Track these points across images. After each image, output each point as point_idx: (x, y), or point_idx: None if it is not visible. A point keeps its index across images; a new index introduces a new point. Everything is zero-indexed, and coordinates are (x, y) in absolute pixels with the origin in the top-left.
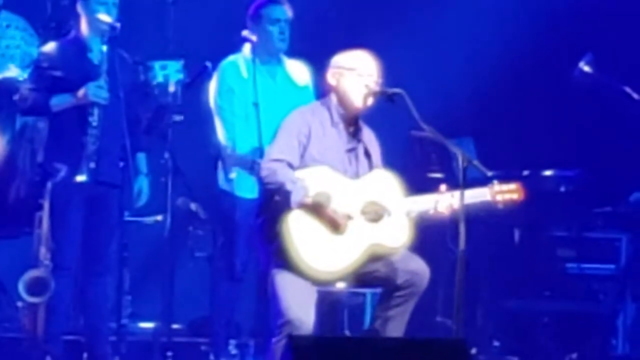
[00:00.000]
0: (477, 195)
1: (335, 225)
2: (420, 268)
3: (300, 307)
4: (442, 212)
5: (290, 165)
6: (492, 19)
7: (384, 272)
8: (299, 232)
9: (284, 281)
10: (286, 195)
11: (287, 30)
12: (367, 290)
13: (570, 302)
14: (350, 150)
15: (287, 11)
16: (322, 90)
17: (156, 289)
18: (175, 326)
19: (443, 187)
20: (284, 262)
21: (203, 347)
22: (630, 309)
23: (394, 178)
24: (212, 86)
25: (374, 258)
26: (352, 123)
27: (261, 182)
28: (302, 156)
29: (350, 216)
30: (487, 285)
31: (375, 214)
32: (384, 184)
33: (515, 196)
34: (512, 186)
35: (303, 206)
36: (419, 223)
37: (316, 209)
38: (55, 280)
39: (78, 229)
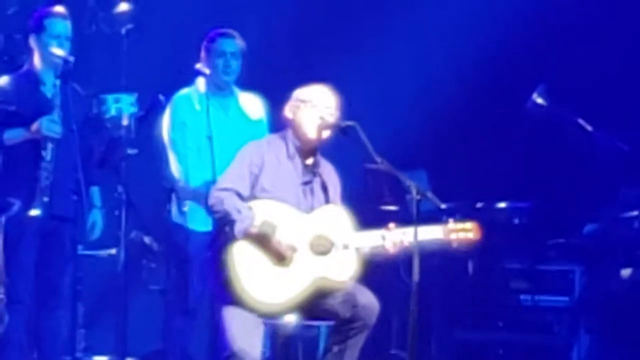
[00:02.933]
0: (429, 232)
1: (279, 257)
2: (369, 302)
3: (244, 339)
4: (389, 250)
5: (240, 195)
6: (443, 51)
7: (333, 306)
8: (243, 262)
9: (229, 313)
10: (231, 224)
11: (234, 63)
12: (321, 323)
13: (524, 334)
14: (305, 184)
15: (236, 44)
16: (277, 124)
17: (110, 323)
18: None
19: (392, 225)
20: (230, 293)
21: None
22: (584, 341)
23: (344, 212)
24: (165, 119)
25: (322, 292)
26: (309, 156)
27: (208, 211)
28: (253, 186)
29: (295, 248)
30: (441, 317)
31: (322, 248)
32: (334, 218)
33: (470, 235)
34: (468, 225)
35: (248, 236)
36: (370, 259)
37: (261, 239)
38: (9, 314)
39: (32, 263)
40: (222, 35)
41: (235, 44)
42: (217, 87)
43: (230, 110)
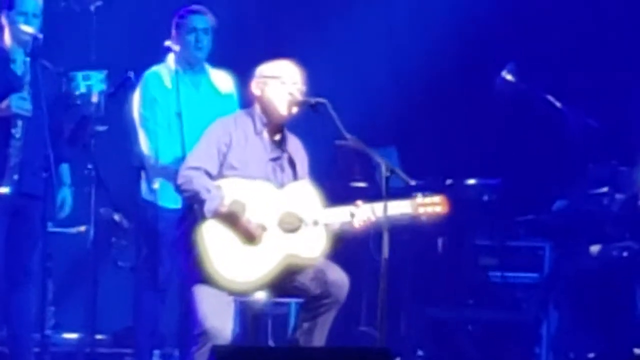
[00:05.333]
0: (398, 207)
1: (249, 236)
2: (339, 279)
3: (216, 317)
4: (357, 227)
5: (209, 174)
6: (414, 28)
7: (303, 283)
8: (213, 241)
9: (200, 291)
10: (201, 203)
11: (205, 39)
12: (291, 300)
13: (493, 311)
14: (274, 160)
15: (207, 20)
16: (246, 100)
17: (80, 300)
18: (99, 337)
19: (359, 202)
20: (201, 272)
21: (127, 358)
22: (554, 318)
23: (313, 189)
24: (136, 96)
25: (293, 269)
26: (277, 132)
27: (177, 190)
28: (221, 165)
29: (265, 227)
30: (410, 294)
31: (291, 225)
32: (303, 195)
33: (438, 209)
34: (436, 199)
35: (217, 215)
36: (340, 235)
37: (230, 219)
38: None
39: (1, 240)
40: (193, 11)
41: (206, 20)
42: (188, 64)
43: (201, 86)
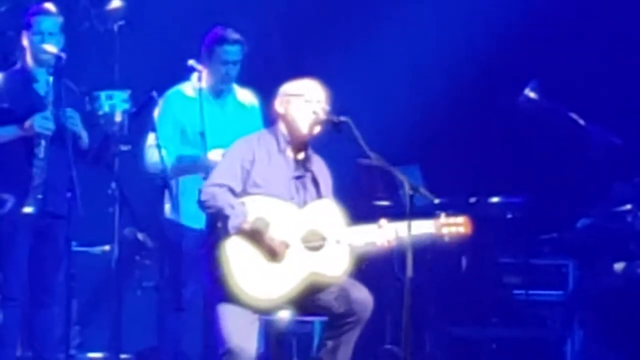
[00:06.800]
0: (421, 227)
1: (272, 253)
2: (363, 297)
3: (240, 335)
4: (381, 245)
5: (232, 191)
6: (435, 46)
7: (327, 301)
8: (237, 258)
9: (224, 310)
10: (224, 220)
11: (234, 71)
12: (315, 319)
13: (518, 329)
14: (297, 178)
15: (240, 51)
16: (269, 119)
17: (104, 319)
18: (123, 356)
19: (383, 221)
20: (224, 290)
21: None
22: (578, 335)
23: (336, 207)
24: (156, 114)
25: (316, 287)
26: (301, 151)
27: (201, 207)
28: (244, 182)
29: (288, 244)
30: (435, 313)
31: (315, 243)
32: (326, 213)
33: (461, 230)
34: (459, 219)
35: (241, 232)
36: (363, 254)
37: (254, 235)
38: (2, 311)
39: (25, 260)
40: (229, 41)
41: (239, 51)
42: (213, 90)
43: (226, 105)
